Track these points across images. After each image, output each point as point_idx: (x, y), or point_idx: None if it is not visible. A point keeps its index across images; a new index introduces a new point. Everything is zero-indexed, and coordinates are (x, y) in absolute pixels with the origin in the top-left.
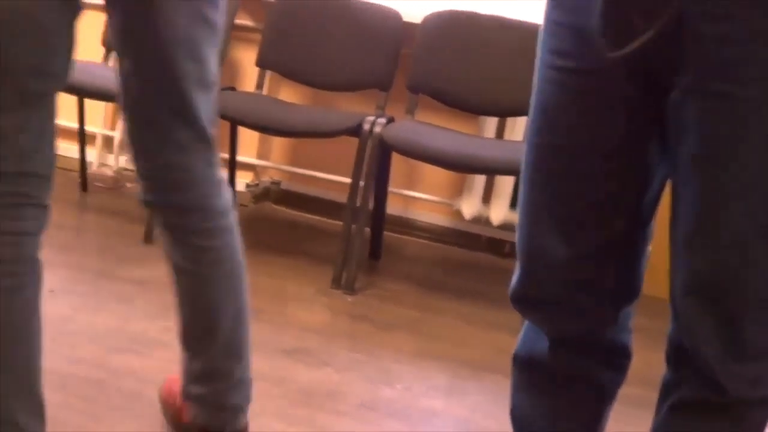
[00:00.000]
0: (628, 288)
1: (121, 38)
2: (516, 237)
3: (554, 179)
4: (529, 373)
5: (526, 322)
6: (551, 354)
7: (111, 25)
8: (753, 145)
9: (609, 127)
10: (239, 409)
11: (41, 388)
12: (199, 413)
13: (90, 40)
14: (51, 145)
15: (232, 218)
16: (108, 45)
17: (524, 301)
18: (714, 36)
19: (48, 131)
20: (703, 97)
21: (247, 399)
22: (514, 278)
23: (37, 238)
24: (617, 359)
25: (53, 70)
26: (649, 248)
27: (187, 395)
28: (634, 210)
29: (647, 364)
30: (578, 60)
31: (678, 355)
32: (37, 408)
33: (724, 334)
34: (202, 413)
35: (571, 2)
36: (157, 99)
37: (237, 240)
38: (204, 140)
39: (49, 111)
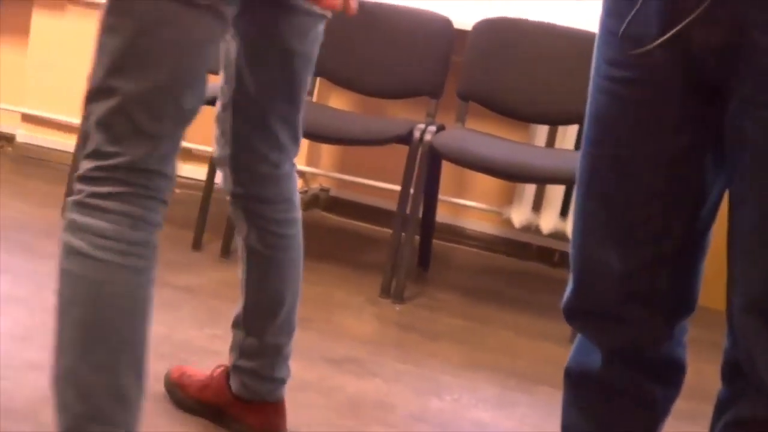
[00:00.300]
0: (683, 301)
1: (251, 49)
2: (570, 249)
3: (609, 191)
4: (581, 388)
5: (579, 336)
6: (604, 368)
7: (239, 36)
8: None
9: (665, 139)
10: (282, 381)
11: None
12: (248, 383)
13: None
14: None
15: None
16: None
17: (578, 315)
18: None
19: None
20: (762, 107)
21: (289, 373)
22: (567, 291)
23: (159, 230)
24: (671, 374)
25: (203, 88)
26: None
27: (236, 369)
28: (690, 222)
29: (699, 375)
30: (635, 70)
31: (734, 372)
32: (143, 382)
33: None
34: (252, 383)
35: (627, 11)
36: (275, 104)
37: (301, 230)
38: (297, 142)
39: None
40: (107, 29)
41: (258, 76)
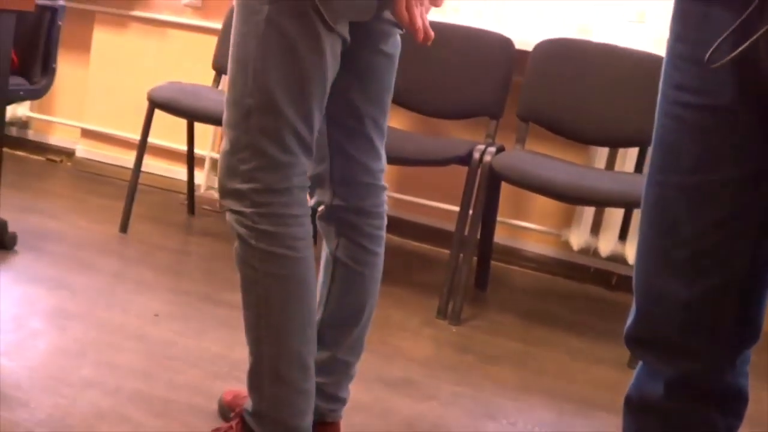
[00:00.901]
0: (747, 331)
1: (343, 54)
2: (633, 275)
3: (675, 218)
4: (641, 417)
5: (640, 363)
6: (666, 397)
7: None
8: None
9: (733, 165)
10: (344, 402)
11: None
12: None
13: (201, 63)
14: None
15: None
16: (218, 69)
17: (640, 343)
18: None
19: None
20: None
21: (349, 395)
22: (630, 318)
23: None
24: (734, 404)
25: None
26: None
27: None
28: (755, 250)
29: (758, 402)
30: (703, 96)
31: None
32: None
33: None
34: (317, 400)
35: (695, 36)
36: (367, 109)
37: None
38: (383, 154)
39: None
40: None
41: (350, 81)
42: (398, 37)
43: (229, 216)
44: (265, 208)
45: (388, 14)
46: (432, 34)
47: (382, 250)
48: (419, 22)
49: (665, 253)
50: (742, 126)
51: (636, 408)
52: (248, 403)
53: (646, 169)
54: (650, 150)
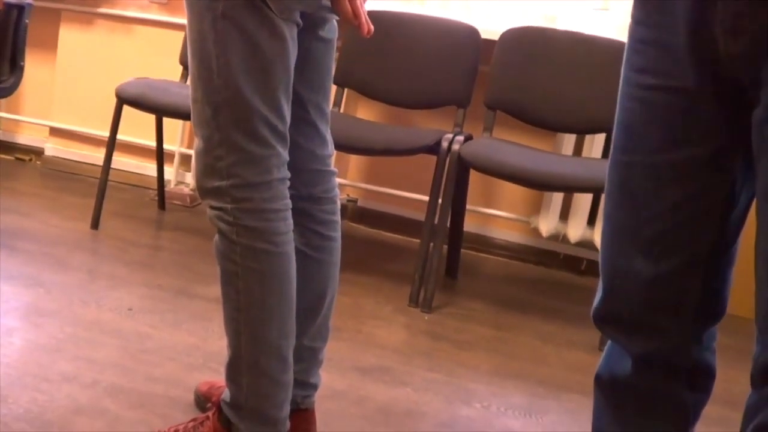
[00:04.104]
0: (712, 308)
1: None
2: (599, 256)
3: (639, 198)
4: (611, 394)
5: (609, 342)
6: (634, 374)
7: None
8: None
9: (695, 145)
10: (315, 388)
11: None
12: None
13: (168, 59)
14: None
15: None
16: (185, 64)
17: (607, 321)
18: None
19: None
20: None
21: (320, 381)
22: (597, 298)
23: None
24: (701, 379)
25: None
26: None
27: None
28: (719, 230)
29: (729, 382)
30: (664, 78)
31: (763, 377)
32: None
33: None
34: None
35: (655, 20)
36: (309, 95)
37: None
38: (330, 136)
39: None
40: None
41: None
42: (335, 23)
43: (210, 211)
44: (246, 204)
45: (325, 0)
46: (372, 27)
47: (338, 235)
48: (363, 16)
49: (630, 232)
50: (704, 106)
51: (606, 385)
52: (226, 394)
53: None
54: (613, 132)
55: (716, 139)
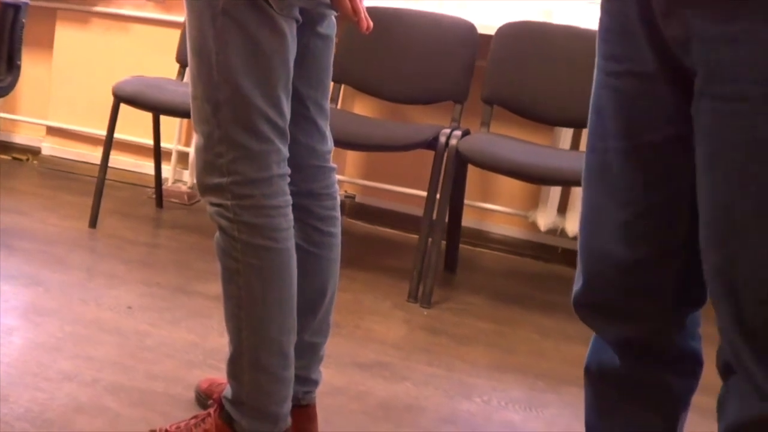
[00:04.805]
0: (690, 293)
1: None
2: (578, 242)
3: (613, 183)
4: (600, 384)
5: (595, 334)
6: (620, 363)
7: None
8: (757, 146)
9: (660, 130)
10: (315, 384)
11: None
12: None
13: (165, 57)
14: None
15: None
16: (182, 62)
17: (586, 308)
18: (718, 38)
19: None
20: (711, 99)
21: (321, 377)
22: (576, 284)
23: None
24: (687, 365)
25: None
26: None
27: None
28: (693, 214)
29: (715, 372)
30: (628, 63)
31: (725, 370)
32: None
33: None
34: None
35: (615, 7)
36: (308, 91)
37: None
38: (329, 132)
39: None
40: None
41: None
42: (334, 19)
43: (210, 208)
44: (246, 200)
45: None
46: (371, 23)
47: (337, 231)
48: (362, 12)
49: (606, 217)
50: (664, 90)
51: (594, 376)
52: (227, 391)
53: None
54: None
55: (678, 123)
